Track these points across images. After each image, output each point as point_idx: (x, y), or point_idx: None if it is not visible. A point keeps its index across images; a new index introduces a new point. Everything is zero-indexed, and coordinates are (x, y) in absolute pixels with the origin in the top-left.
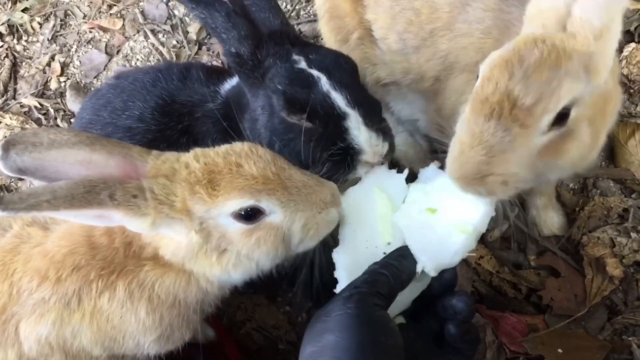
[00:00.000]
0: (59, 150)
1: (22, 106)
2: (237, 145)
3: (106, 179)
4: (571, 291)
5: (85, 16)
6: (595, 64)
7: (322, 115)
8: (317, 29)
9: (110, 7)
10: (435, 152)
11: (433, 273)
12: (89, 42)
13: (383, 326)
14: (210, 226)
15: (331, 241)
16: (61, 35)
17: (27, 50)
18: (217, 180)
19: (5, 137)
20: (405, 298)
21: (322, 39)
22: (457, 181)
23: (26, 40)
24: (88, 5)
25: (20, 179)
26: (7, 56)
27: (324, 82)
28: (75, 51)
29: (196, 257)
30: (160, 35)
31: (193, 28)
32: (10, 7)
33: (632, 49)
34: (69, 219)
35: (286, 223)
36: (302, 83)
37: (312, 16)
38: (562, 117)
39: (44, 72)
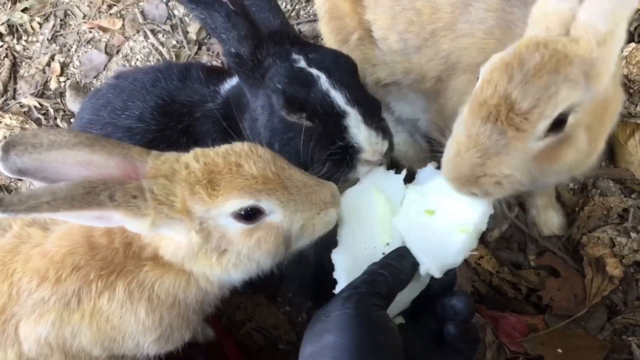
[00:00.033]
0: (59, 151)
1: (21, 106)
2: (237, 145)
3: (106, 180)
4: (571, 291)
5: (85, 16)
6: (596, 70)
7: (321, 114)
8: (317, 29)
9: (110, 7)
10: (436, 152)
11: (438, 275)
12: (88, 42)
13: (382, 326)
14: (210, 226)
15: (329, 242)
16: (61, 35)
17: (27, 50)
18: (217, 180)
19: (5, 137)
20: (404, 298)
21: (322, 39)
22: (451, 182)
23: (26, 40)
24: (88, 5)
25: (20, 180)
26: (6, 56)
27: (324, 81)
28: (75, 51)
29: (196, 257)
30: (160, 35)
31: (193, 28)
32: (10, 7)
33: (632, 49)
34: (69, 220)
35: (286, 223)
36: (301, 82)
37: (312, 16)
38: (559, 123)
39: (44, 72)
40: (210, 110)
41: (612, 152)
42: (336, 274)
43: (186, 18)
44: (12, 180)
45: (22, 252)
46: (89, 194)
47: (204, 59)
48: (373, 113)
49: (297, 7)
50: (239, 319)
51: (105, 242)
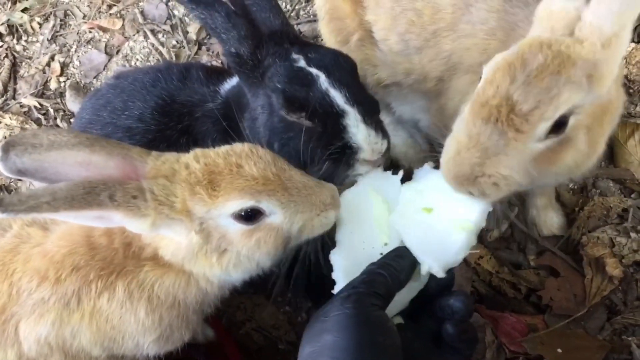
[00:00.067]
0: (59, 151)
1: (21, 106)
2: (238, 146)
3: (106, 180)
4: (571, 291)
5: (85, 16)
6: (599, 73)
7: (321, 114)
8: (316, 29)
9: (110, 7)
10: (435, 152)
11: (441, 274)
12: (88, 42)
13: (381, 326)
14: (211, 227)
15: (328, 242)
16: (61, 35)
17: (27, 50)
18: (217, 181)
19: (5, 137)
20: (403, 298)
21: (321, 39)
22: (450, 181)
23: (26, 40)
24: (88, 5)
25: (20, 180)
26: (6, 56)
27: (323, 81)
28: (75, 51)
29: (196, 257)
30: (160, 36)
31: (193, 28)
32: (10, 7)
33: (632, 49)
34: (69, 220)
35: (286, 224)
36: (301, 81)
37: (311, 16)
38: (560, 125)
39: (44, 72)
40: (210, 110)
41: (612, 152)
42: (335, 275)
43: (186, 18)
44: (12, 180)
45: (22, 252)
46: (89, 194)
47: (204, 59)
48: (372, 112)
49: (296, 7)
50: (239, 319)
51: (105, 242)
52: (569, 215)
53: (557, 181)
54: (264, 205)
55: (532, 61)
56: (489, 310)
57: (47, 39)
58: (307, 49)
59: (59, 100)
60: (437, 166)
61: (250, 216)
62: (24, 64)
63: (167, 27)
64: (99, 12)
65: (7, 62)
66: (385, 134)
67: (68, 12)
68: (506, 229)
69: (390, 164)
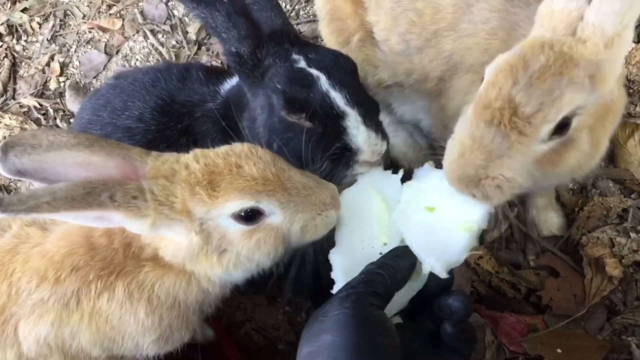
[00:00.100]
0: (58, 151)
1: (21, 106)
2: (237, 146)
3: (106, 181)
4: (570, 291)
5: (84, 16)
6: (602, 73)
7: (321, 115)
8: (316, 29)
9: (109, 7)
10: (435, 152)
11: (444, 274)
12: (88, 42)
13: (380, 326)
14: (211, 227)
15: (326, 242)
16: (60, 35)
17: (27, 50)
18: (217, 181)
19: (5, 137)
20: (402, 298)
21: (321, 39)
22: (454, 183)
23: (25, 41)
24: (87, 6)
25: (19, 180)
26: (6, 56)
27: (324, 82)
28: (75, 51)
29: (196, 257)
30: (159, 36)
31: (192, 28)
32: (10, 7)
33: (632, 49)
34: (69, 220)
35: (286, 224)
36: (301, 82)
37: (311, 16)
38: (563, 126)
39: (44, 72)
40: (210, 110)
41: (612, 153)
42: (334, 274)
43: (186, 18)
44: (12, 180)
45: (22, 252)
46: (89, 195)
47: (204, 59)
48: (372, 114)
49: (296, 7)
50: (239, 319)
51: (105, 242)
52: (569, 215)
53: (560, 182)
54: (263, 206)
55: (534, 62)
56: (488, 311)
57: (47, 39)
58: (307, 49)
59: (58, 100)
60: (437, 166)
61: (250, 216)
62: (23, 64)
63: (167, 27)
64: (99, 12)
65: (6, 62)
66: (384, 135)
67: (68, 12)
68: (506, 229)
69: (390, 164)
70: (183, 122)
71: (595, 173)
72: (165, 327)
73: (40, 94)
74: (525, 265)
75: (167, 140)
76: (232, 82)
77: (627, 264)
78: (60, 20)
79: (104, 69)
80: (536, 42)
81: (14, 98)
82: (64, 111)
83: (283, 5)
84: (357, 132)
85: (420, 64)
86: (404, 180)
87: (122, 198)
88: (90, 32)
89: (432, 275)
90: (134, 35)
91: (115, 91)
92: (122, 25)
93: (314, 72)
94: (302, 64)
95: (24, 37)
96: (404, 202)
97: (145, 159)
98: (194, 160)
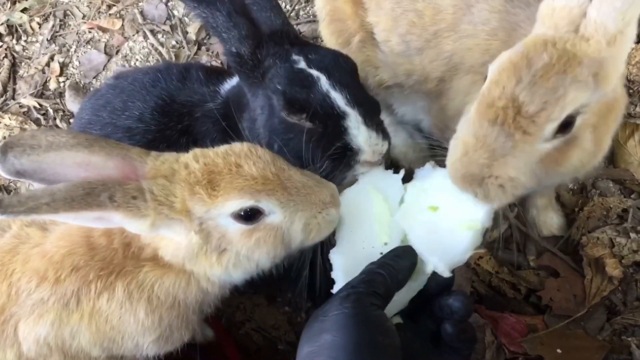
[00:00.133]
0: (57, 152)
1: (21, 106)
2: (237, 146)
3: (105, 181)
4: (570, 291)
5: (84, 16)
6: (605, 71)
7: (321, 115)
8: (316, 29)
9: (109, 7)
10: (435, 153)
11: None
12: (88, 42)
13: (380, 326)
14: (210, 227)
15: (328, 242)
16: (60, 35)
17: (27, 51)
18: (216, 180)
19: (5, 137)
20: (402, 298)
21: (321, 40)
22: (457, 181)
23: (25, 41)
24: (87, 6)
25: (19, 181)
26: (6, 56)
27: (324, 82)
28: (75, 51)
29: (196, 257)
30: (159, 36)
31: (192, 28)
32: (10, 8)
33: (632, 49)
34: (69, 221)
35: (286, 223)
36: (301, 83)
37: (311, 17)
38: (567, 125)
39: (43, 73)
40: (210, 111)
41: (612, 153)
42: (334, 274)
43: (185, 18)
44: (12, 181)
45: (21, 252)
46: (88, 195)
47: (204, 59)
48: (373, 114)
49: (296, 7)
50: (239, 319)
51: (105, 242)
52: (569, 215)
53: (562, 181)
54: (263, 205)
55: (537, 61)
56: (488, 311)
57: (47, 39)
58: (307, 49)
59: (58, 100)
60: (438, 167)
61: (250, 216)
62: (23, 64)
63: (167, 28)
64: (99, 12)
65: (6, 62)
66: (385, 135)
67: (67, 12)
68: (506, 229)
69: (390, 164)
70: (183, 122)
71: (597, 171)
72: (165, 326)
73: (40, 94)
74: (525, 266)
75: (167, 141)
76: (232, 82)
77: (627, 264)
78: (60, 21)
79: (103, 69)
80: (539, 40)
81: (13, 98)
82: (63, 111)
83: (283, 5)
84: (358, 132)
85: (421, 64)
86: (404, 180)
87: (121, 198)
88: (90, 32)
89: (432, 275)
90: (133, 35)
91: (115, 91)
92: (122, 25)
93: (314, 72)
94: (302, 64)
95: (23, 37)
96: (407, 202)
97: (145, 159)
98: (193, 159)
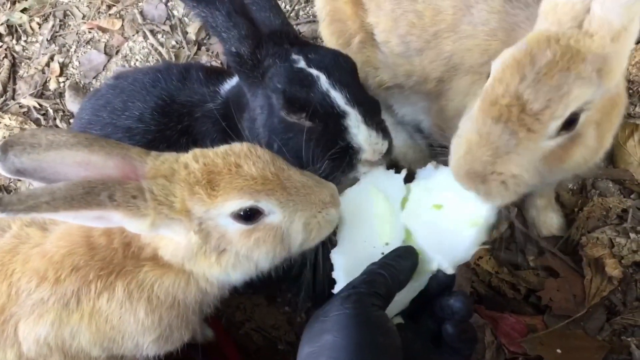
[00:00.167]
0: (58, 151)
1: (21, 106)
2: (236, 146)
3: (105, 180)
4: (570, 292)
5: (84, 16)
6: (609, 66)
7: (321, 114)
8: (316, 30)
9: (109, 7)
10: (436, 153)
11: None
12: (88, 42)
13: (381, 326)
14: (210, 227)
15: (329, 242)
16: (60, 35)
17: (26, 51)
18: (216, 180)
19: (5, 137)
20: (403, 298)
21: (321, 40)
22: (461, 178)
23: (25, 41)
24: (87, 6)
25: (19, 180)
26: (6, 56)
27: (324, 81)
28: (75, 51)
29: (195, 257)
30: (159, 36)
31: (192, 28)
32: (10, 8)
33: (632, 49)
34: (69, 220)
35: (285, 223)
36: (301, 82)
37: (311, 17)
38: (571, 122)
39: (43, 73)
40: (210, 111)
41: (611, 153)
42: (335, 274)
43: (185, 18)
44: (12, 180)
45: (21, 252)
46: (88, 194)
47: (204, 59)
48: (373, 113)
49: (296, 7)
50: (238, 319)
51: (105, 242)
52: (569, 215)
53: (564, 177)
54: (262, 205)
55: (541, 57)
56: (488, 311)
57: (47, 39)
58: (306, 49)
59: (58, 100)
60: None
61: (249, 216)
62: (23, 64)
63: (167, 28)
64: (99, 12)
65: (6, 63)
66: (386, 134)
67: (67, 12)
68: (506, 230)
69: (390, 164)
70: (183, 123)
71: (597, 170)
72: (164, 326)
73: (40, 94)
74: (525, 266)
75: (167, 141)
76: (232, 82)
77: (627, 265)
78: (60, 21)
79: (103, 69)
80: (542, 36)
81: (13, 98)
82: (63, 111)
83: (283, 5)
84: (358, 131)
85: (420, 65)
86: (406, 180)
87: (121, 197)
88: (90, 32)
89: (433, 275)
90: (133, 35)
91: (115, 91)
92: (122, 25)
93: (313, 72)
94: (302, 64)
95: (23, 38)
96: (411, 201)
97: (145, 159)
98: (193, 159)
